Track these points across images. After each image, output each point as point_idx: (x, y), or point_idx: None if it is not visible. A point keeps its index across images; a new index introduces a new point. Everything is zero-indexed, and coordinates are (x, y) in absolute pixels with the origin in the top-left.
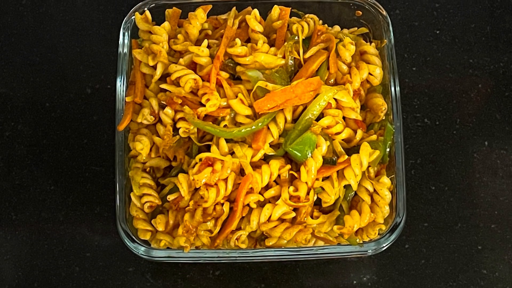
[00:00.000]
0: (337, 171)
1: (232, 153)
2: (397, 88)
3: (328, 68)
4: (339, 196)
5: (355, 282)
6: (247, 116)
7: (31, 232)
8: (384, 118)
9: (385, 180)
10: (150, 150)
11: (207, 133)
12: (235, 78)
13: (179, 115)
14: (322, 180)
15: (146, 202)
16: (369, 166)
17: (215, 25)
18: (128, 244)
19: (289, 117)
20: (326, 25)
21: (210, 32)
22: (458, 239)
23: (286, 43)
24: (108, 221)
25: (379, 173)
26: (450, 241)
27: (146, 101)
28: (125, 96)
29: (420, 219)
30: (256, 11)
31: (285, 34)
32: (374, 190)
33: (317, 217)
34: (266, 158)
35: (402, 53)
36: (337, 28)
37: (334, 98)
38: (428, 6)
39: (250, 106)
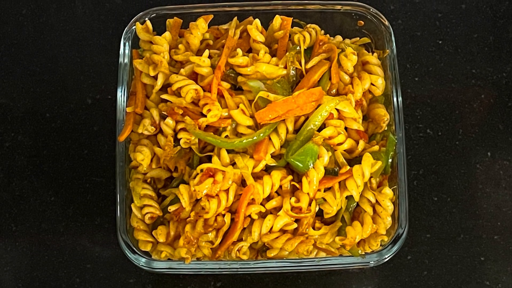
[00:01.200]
0: (339, 182)
1: (233, 164)
2: (400, 99)
3: (330, 78)
4: (341, 207)
5: None
6: (249, 127)
7: (31, 243)
8: (386, 128)
9: (387, 191)
10: (151, 160)
11: (208, 144)
12: (237, 89)
13: (180, 126)
14: (324, 191)
15: (147, 213)
16: (371, 177)
17: (216, 35)
18: (129, 255)
19: (290, 128)
20: (328, 35)
21: (211, 42)
22: (461, 250)
23: (287, 53)
24: (109, 232)
25: (381, 184)
26: (452, 252)
27: (147, 112)
28: (126, 107)
29: (422, 230)
30: (257, 21)
31: (287, 44)
32: (376, 201)
33: (319, 228)
34: (268, 169)
35: (404, 63)
36: (339, 38)
37: (336, 109)
38: (431, 16)
39: (252, 116)
